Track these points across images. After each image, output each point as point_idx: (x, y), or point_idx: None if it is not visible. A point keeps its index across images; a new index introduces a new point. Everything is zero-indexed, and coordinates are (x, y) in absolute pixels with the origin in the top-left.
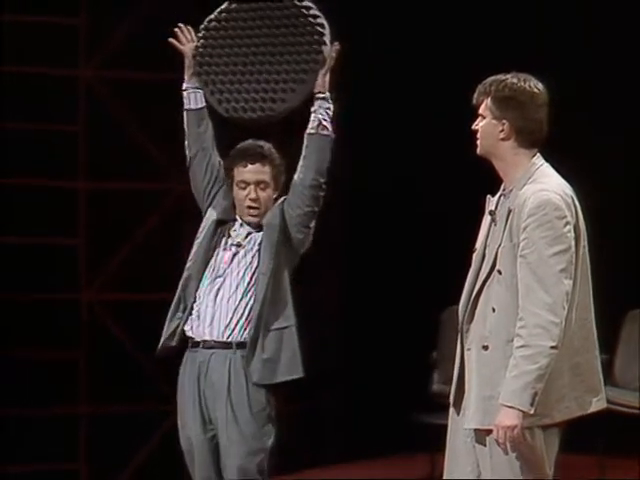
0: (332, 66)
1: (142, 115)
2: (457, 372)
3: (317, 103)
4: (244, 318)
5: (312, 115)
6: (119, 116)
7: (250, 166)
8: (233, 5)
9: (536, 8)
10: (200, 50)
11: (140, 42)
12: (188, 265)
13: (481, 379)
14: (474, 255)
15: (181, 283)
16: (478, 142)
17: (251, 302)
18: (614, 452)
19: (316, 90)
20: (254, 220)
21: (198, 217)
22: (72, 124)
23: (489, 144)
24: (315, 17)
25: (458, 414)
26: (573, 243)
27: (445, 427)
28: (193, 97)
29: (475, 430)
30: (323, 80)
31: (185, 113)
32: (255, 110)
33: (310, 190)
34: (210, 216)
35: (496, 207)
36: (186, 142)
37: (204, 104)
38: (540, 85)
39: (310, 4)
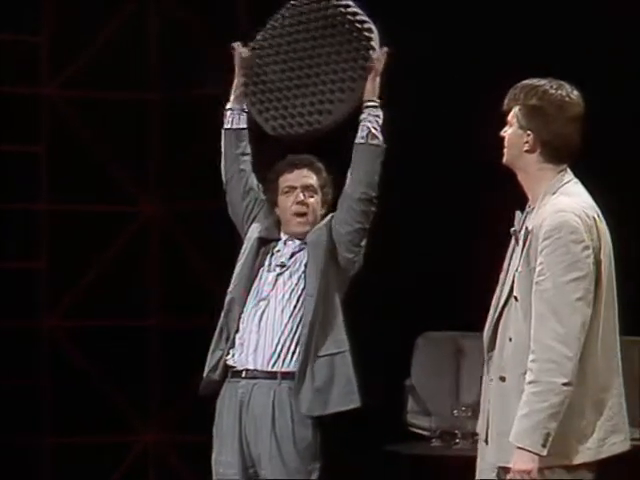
0: (381, 70)
1: (107, 135)
2: (482, 404)
3: (366, 111)
4: (290, 345)
5: (361, 124)
6: (83, 136)
7: (297, 171)
8: (278, 22)
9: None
10: (247, 71)
11: (104, 61)
12: (230, 288)
13: (498, 412)
14: (500, 277)
15: (224, 309)
16: (505, 151)
17: (298, 327)
18: None
19: (365, 97)
20: (302, 230)
21: (164, 241)
22: (34, 144)
23: (514, 155)
24: (362, 22)
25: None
26: (593, 269)
27: (419, 457)
28: (237, 118)
29: (498, 466)
30: (372, 86)
31: (224, 133)
32: (302, 125)
33: (360, 205)
34: (252, 235)
35: (520, 226)
36: (222, 163)
37: (246, 125)
38: (575, 94)
39: (357, 10)
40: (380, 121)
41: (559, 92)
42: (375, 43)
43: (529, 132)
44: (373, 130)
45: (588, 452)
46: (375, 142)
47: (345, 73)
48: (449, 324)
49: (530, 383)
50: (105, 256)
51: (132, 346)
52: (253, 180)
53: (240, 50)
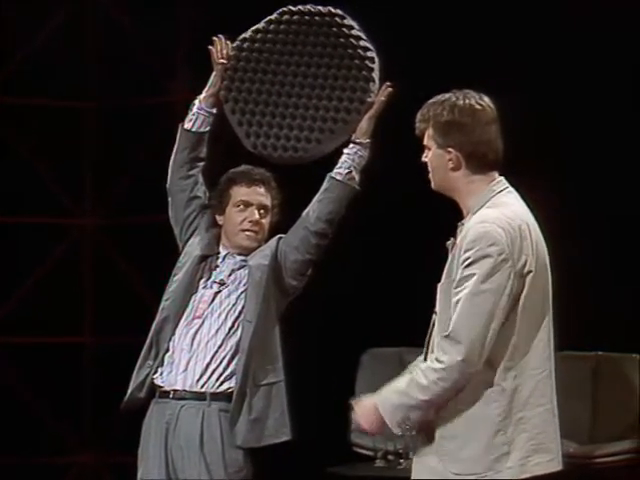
0: (380, 110)
1: (40, 145)
2: None
3: (354, 148)
4: (222, 367)
5: (343, 158)
6: (15, 146)
7: (255, 187)
8: (272, 25)
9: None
10: (230, 72)
11: (39, 67)
12: (164, 305)
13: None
14: None
15: (155, 325)
16: (430, 176)
17: (231, 350)
18: None
19: (357, 134)
20: (250, 244)
21: (99, 254)
22: None
23: (440, 177)
24: (365, 50)
25: None
26: (511, 283)
27: (363, 479)
28: (201, 120)
29: None
30: (368, 125)
31: (183, 132)
32: (287, 149)
33: (316, 238)
34: (192, 250)
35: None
36: (171, 163)
37: (208, 129)
38: (485, 100)
39: (361, 34)
40: (364, 163)
41: (467, 101)
42: (376, 75)
43: (450, 149)
44: (354, 171)
45: (509, 471)
46: (352, 184)
47: (341, 103)
48: (394, 340)
49: (420, 372)
50: (38, 270)
51: (66, 364)
52: (200, 188)
53: (224, 45)
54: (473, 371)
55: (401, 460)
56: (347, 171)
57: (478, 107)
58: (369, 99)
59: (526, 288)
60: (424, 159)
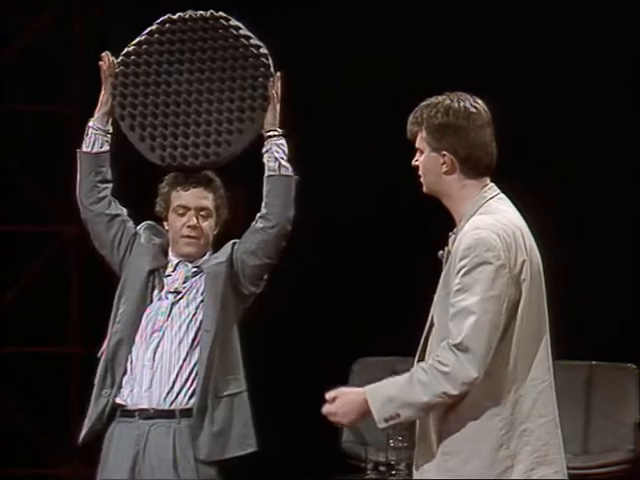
0: (279, 98)
1: (22, 150)
2: None
3: (270, 142)
4: (189, 381)
5: (266, 156)
6: None
7: (192, 189)
8: (155, 35)
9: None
10: (120, 89)
11: (22, 71)
12: (116, 328)
13: (420, 444)
14: None
15: (107, 350)
16: (422, 180)
17: (196, 362)
18: None
19: (267, 128)
20: (191, 250)
21: (85, 262)
22: None
23: (433, 180)
24: (258, 47)
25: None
26: (507, 290)
27: None
28: (99, 140)
29: None
30: (273, 115)
31: (82, 157)
32: (197, 156)
33: (276, 240)
34: (137, 267)
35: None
36: (77, 190)
37: (108, 149)
38: (479, 103)
39: (249, 33)
40: (286, 151)
41: (462, 104)
42: (273, 69)
43: (444, 152)
44: (282, 161)
45: None
46: (287, 173)
47: (244, 102)
48: (385, 349)
49: (422, 371)
50: (22, 278)
51: (52, 374)
52: (116, 206)
53: (110, 61)
54: (477, 381)
55: (392, 471)
56: (276, 164)
57: (473, 110)
58: (269, 93)
59: (523, 296)
60: (415, 163)
